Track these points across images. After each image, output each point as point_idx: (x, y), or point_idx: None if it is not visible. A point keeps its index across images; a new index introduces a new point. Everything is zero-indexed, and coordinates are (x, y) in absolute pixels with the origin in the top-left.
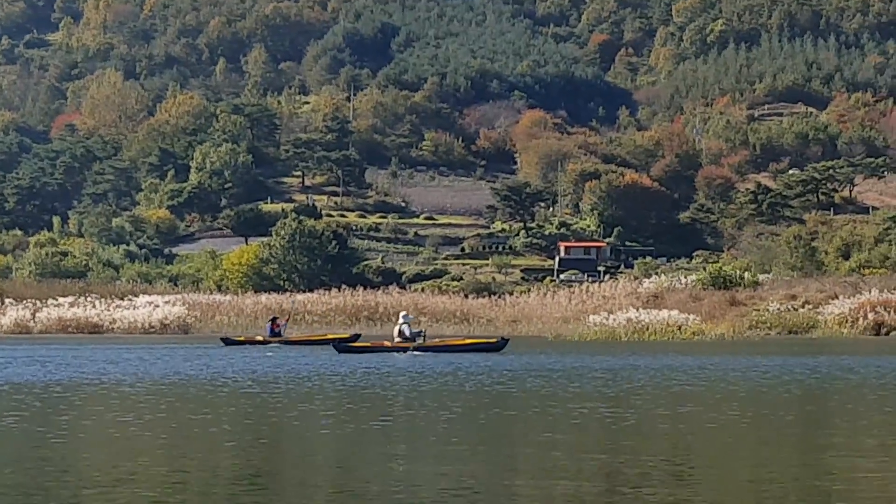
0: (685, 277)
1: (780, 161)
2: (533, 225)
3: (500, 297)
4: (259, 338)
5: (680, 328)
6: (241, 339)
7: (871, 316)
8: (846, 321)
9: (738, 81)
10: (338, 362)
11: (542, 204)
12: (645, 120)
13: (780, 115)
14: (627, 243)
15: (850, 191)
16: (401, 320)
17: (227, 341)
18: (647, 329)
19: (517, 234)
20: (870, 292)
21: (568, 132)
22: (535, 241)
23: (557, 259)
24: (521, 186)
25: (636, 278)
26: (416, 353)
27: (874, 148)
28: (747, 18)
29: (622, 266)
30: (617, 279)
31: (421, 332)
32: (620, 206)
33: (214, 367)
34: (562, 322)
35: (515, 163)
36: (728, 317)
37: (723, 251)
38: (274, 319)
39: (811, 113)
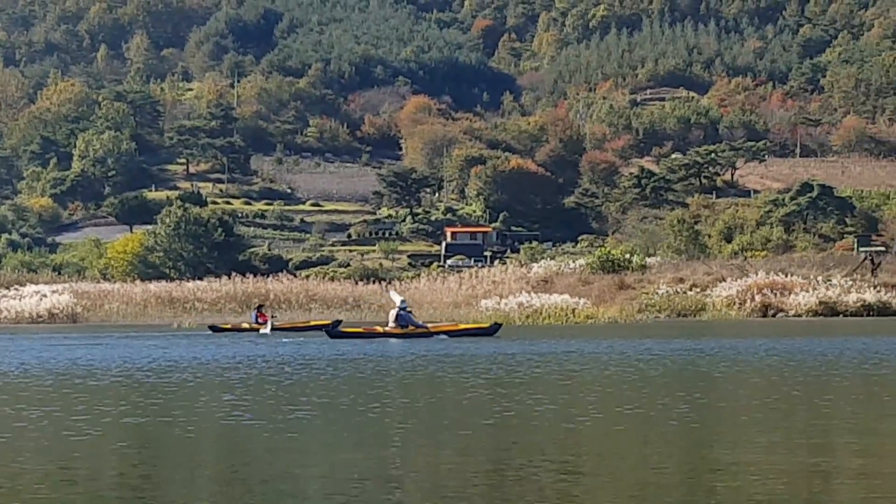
0: (573, 262)
1: (662, 145)
2: (419, 211)
3: (389, 283)
4: (245, 325)
5: (573, 312)
6: (228, 326)
7: (758, 298)
8: (734, 303)
9: (621, 66)
10: (333, 348)
11: (428, 190)
12: (529, 105)
13: (663, 99)
14: (513, 228)
15: (732, 174)
16: (398, 302)
17: (215, 329)
18: (541, 313)
19: (403, 220)
20: (756, 274)
21: (453, 118)
22: (421, 226)
23: (444, 244)
24: (407, 172)
25: (523, 263)
26: (440, 337)
27: (755, 132)
28: (629, 4)
29: (508, 251)
30: (505, 264)
31: (410, 312)
32: (506, 191)
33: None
34: (453, 307)
35: (401, 149)
36: (617, 300)
37: (607, 235)
38: (259, 307)
39: (693, 97)
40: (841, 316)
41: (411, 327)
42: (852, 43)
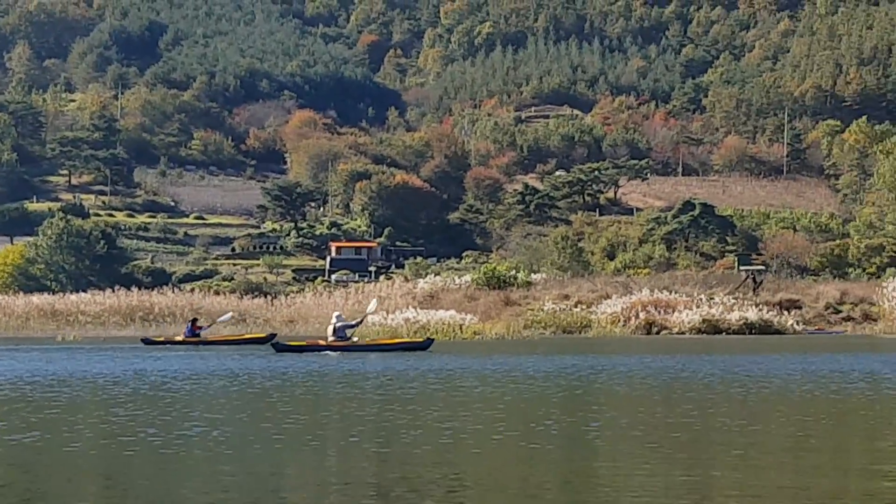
0: (459, 277)
1: (546, 162)
2: (304, 225)
3: (274, 297)
4: (178, 338)
5: (461, 328)
6: (161, 339)
7: (642, 315)
8: (619, 320)
9: (506, 83)
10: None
11: (313, 204)
12: (414, 121)
13: (547, 117)
14: (398, 243)
15: (615, 192)
16: (334, 320)
17: (147, 342)
18: (428, 329)
19: (288, 235)
20: (640, 292)
21: (338, 132)
22: (305, 241)
23: (328, 259)
24: (292, 186)
25: (408, 279)
26: (350, 348)
27: (637, 150)
28: (514, 21)
29: (393, 266)
30: (391, 279)
31: (355, 326)
32: (391, 206)
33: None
34: None
35: (286, 163)
36: (503, 316)
37: (492, 251)
38: (194, 321)
39: (577, 115)
40: (724, 334)
41: (354, 339)
42: (734, 64)
